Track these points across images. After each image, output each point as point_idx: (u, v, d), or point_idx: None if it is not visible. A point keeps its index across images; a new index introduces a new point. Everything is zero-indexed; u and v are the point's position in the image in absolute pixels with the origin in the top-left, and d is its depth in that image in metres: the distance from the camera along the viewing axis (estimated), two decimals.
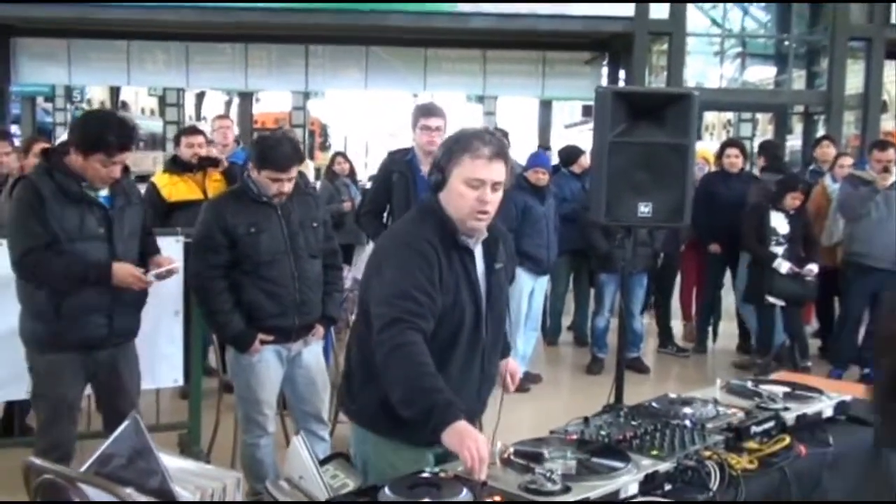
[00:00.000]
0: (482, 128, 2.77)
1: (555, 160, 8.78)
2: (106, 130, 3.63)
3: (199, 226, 4.11)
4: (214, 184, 5.96)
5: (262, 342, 4.07)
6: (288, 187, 4.00)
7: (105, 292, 3.74)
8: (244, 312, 4.04)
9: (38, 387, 3.87)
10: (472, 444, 2.31)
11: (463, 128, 2.77)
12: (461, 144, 2.64)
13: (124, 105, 31.20)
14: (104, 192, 3.79)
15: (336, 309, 4.41)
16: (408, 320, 2.50)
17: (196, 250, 4.11)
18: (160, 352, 4.70)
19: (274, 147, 3.99)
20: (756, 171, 8.53)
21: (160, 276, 3.92)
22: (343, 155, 10.81)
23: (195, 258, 4.11)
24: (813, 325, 8.27)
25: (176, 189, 5.86)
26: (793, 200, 7.05)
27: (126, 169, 3.91)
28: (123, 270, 3.73)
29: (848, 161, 7.85)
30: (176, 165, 6.06)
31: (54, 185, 3.65)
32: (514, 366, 3.16)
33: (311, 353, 4.27)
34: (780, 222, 7.06)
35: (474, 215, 2.65)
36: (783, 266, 6.93)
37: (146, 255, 4.02)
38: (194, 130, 6.43)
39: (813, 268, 6.97)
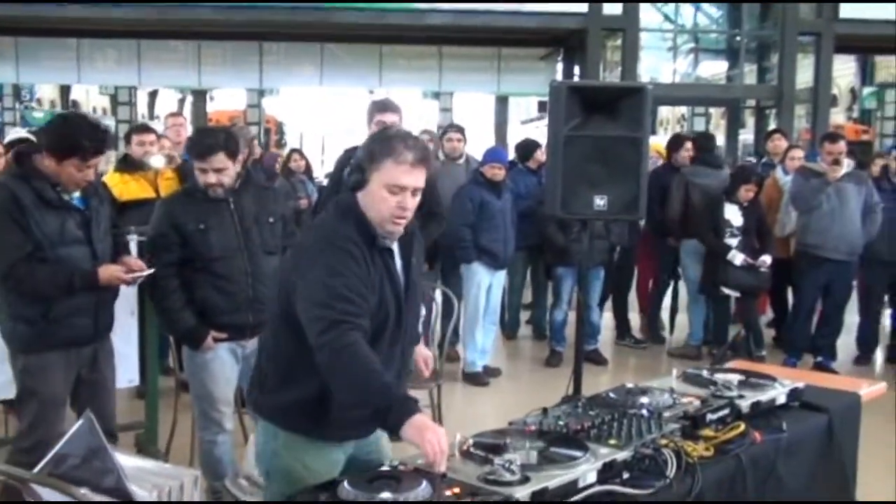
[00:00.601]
0: (405, 131, 2.72)
1: (511, 156, 8.80)
2: (79, 135, 3.61)
3: (152, 223, 4.12)
4: (166, 182, 5.89)
5: (216, 339, 4.04)
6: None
7: (91, 294, 3.78)
8: (197, 310, 4.01)
9: (26, 386, 3.84)
10: (433, 437, 2.31)
11: (385, 128, 2.75)
12: (384, 148, 2.58)
13: (75, 104, 30.71)
14: (77, 194, 3.78)
15: None
16: (348, 321, 2.46)
17: (149, 249, 4.11)
18: (117, 351, 4.63)
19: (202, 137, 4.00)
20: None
21: (136, 280, 3.94)
22: (299, 152, 10.74)
23: (148, 256, 4.09)
24: (768, 314, 8.40)
25: (127, 188, 5.78)
26: (746, 192, 7.14)
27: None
28: (108, 273, 3.76)
29: (799, 154, 7.97)
30: (127, 164, 5.98)
31: (32, 192, 3.63)
32: (426, 352, 3.16)
33: None
34: (734, 214, 7.15)
35: (392, 220, 2.61)
36: (737, 258, 7.02)
37: (117, 251, 4.02)
38: (145, 128, 6.36)
39: (766, 259, 7.07)
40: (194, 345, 4.07)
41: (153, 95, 28.23)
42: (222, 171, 3.98)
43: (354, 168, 2.64)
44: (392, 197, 2.58)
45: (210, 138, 4.04)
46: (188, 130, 7.39)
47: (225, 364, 4.10)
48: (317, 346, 2.48)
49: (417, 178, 2.60)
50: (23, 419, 3.92)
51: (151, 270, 3.96)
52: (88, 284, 3.72)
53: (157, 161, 5.94)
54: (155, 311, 4.31)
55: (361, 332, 2.49)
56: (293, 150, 11.01)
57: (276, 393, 2.72)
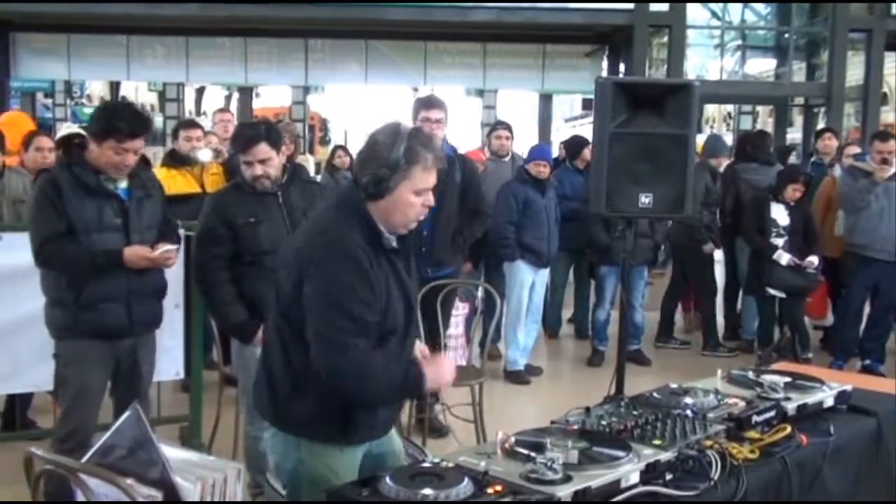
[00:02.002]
0: (415, 129, 2.69)
1: (556, 153, 8.75)
2: (115, 117, 3.71)
3: (201, 218, 4.15)
4: (212, 177, 5.95)
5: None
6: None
7: (121, 280, 3.79)
8: (247, 303, 4.03)
9: (61, 373, 3.92)
10: (440, 376, 2.71)
11: (398, 128, 2.66)
12: (411, 156, 2.59)
13: (124, 100, 31.20)
14: (123, 185, 3.84)
15: None
16: (349, 343, 2.49)
17: (198, 242, 4.13)
18: (161, 345, 4.67)
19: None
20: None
21: (168, 252, 3.90)
22: (343, 148, 10.79)
23: (197, 251, 4.12)
24: (828, 319, 8.06)
25: (173, 182, 5.85)
26: (793, 192, 7.03)
27: (147, 163, 3.92)
28: (132, 252, 3.78)
29: (854, 150, 7.81)
30: (173, 159, 6.05)
31: (73, 178, 3.72)
32: (423, 348, 3.07)
33: None
34: (780, 214, 7.05)
35: (417, 218, 2.69)
36: (783, 258, 6.91)
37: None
38: (192, 124, 6.44)
39: (813, 260, 6.95)
40: (246, 339, 4.08)
41: (200, 92, 28.54)
42: (266, 162, 4.00)
43: (379, 177, 2.58)
44: (418, 199, 2.64)
45: (251, 130, 4.09)
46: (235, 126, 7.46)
47: None
48: (315, 364, 2.52)
49: (435, 176, 2.68)
50: (61, 407, 4.02)
51: (176, 246, 3.98)
52: (112, 263, 3.74)
53: (204, 155, 6.01)
54: (206, 306, 4.34)
55: (362, 348, 2.53)
56: (337, 147, 11.07)
57: (292, 401, 2.66)
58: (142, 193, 3.90)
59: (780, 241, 7.00)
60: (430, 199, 2.68)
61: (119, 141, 3.67)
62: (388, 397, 2.68)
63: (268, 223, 4.01)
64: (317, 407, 2.62)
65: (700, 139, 8.71)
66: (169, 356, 4.80)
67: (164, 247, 3.88)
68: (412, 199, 2.62)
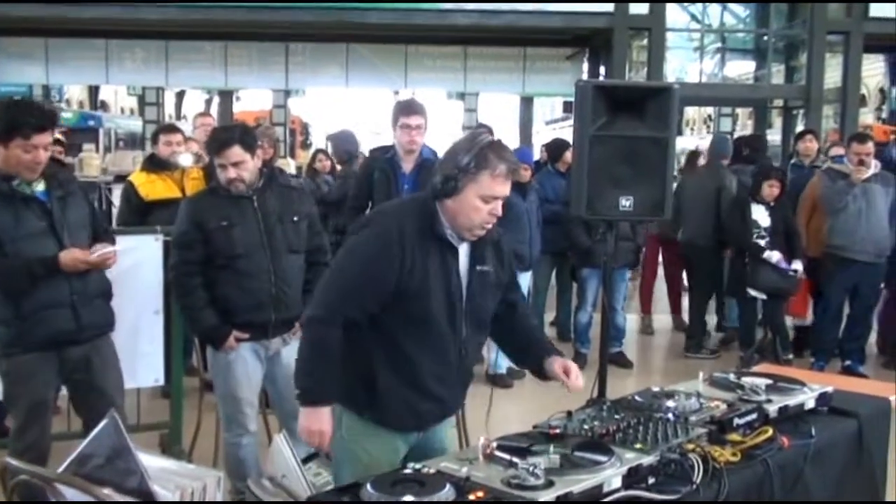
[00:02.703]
0: (496, 140, 2.83)
1: (537, 156, 8.77)
2: (18, 113, 3.56)
3: (176, 223, 4.13)
4: (192, 182, 5.92)
5: (238, 339, 4.04)
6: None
7: (62, 285, 3.67)
8: (219, 308, 4.02)
9: (10, 390, 3.80)
10: (310, 426, 2.80)
11: (477, 136, 2.81)
12: (481, 161, 2.71)
13: (104, 105, 31.03)
14: (40, 187, 3.69)
15: None
16: (335, 318, 2.75)
17: (173, 247, 4.13)
18: (140, 350, 4.66)
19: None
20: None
21: (106, 254, 3.76)
22: (324, 152, 10.75)
23: (173, 255, 4.11)
24: (809, 318, 8.11)
25: (153, 187, 5.81)
26: (770, 189, 7.04)
27: (61, 163, 3.85)
28: (69, 256, 3.64)
29: (839, 151, 7.86)
30: (153, 164, 6.01)
31: None
32: (568, 362, 3.02)
33: (292, 351, 4.21)
34: (761, 215, 7.07)
35: (482, 226, 2.78)
36: (773, 256, 6.92)
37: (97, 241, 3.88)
38: (172, 128, 6.39)
39: (798, 265, 6.98)
40: (216, 344, 4.08)
41: (180, 96, 28.47)
42: (240, 165, 3.97)
43: (448, 177, 2.73)
44: (485, 206, 2.74)
45: (225, 133, 4.05)
46: None
47: (248, 364, 4.10)
48: (306, 323, 2.87)
49: (508, 188, 2.77)
50: (14, 422, 3.88)
51: (116, 247, 3.83)
52: (50, 270, 3.60)
53: (185, 160, 5.97)
54: (180, 309, 4.31)
55: (350, 322, 2.75)
56: (318, 151, 11.03)
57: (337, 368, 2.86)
58: (61, 192, 3.74)
59: (761, 243, 7.02)
60: (499, 209, 2.77)
61: (26, 137, 3.52)
62: (306, 364, 2.82)
63: (241, 227, 3.99)
64: (346, 374, 2.81)
65: (686, 143, 8.78)
66: (148, 362, 4.76)
67: (102, 248, 3.76)
68: (478, 204, 2.73)
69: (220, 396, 4.17)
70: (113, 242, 3.93)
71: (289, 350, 4.18)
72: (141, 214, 5.64)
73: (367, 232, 2.79)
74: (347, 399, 2.86)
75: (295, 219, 4.15)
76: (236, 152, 3.96)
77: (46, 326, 3.67)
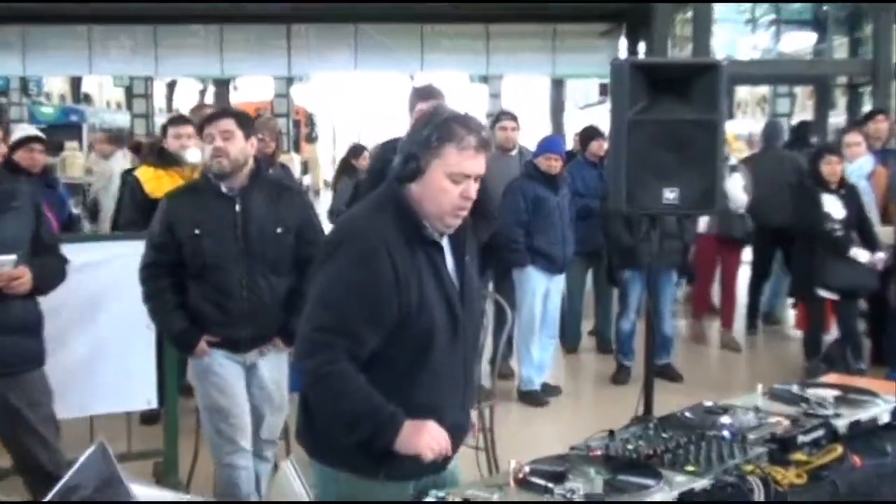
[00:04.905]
0: (463, 112, 2.70)
1: (570, 145, 8.76)
2: None
3: (153, 220, 4.18)
4: None
5: (210, 343, 4.08)
6: None
7: None
8: (189, 317, 4.09)
9: None
10: (428, 439, 2.52)
11: (439, 109, 2.72)
12: (444, 132, 2.58)
13: (87, 98, 31.29)
14: None
15: None
16: (338, 347, 2.53)
17: (146, 245, 4.18)
18: (130, 369, 4.67)
19: None
20: None
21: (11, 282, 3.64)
22: (365, 148, 10.77)
23: (144, 253, 4.16)
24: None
25: (160, 184, 5.82)
26: (830, 167, 6.91)
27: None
28: None
29: None
30: (162, 159, 6.04)
31: None
32: None
33: (269, 364, 4.27)
34: (834, 206, 6.94)
35: (455, 212, 2.63)
36: (861, 255, 6.83)
37: (42, 266, 3.81)
38: (182, 120, 6.38)
39: (882, 255, 6.88)
40: (186, 348, 4.15)
41: (171, 87, 28.66)
42: (230, 139, 3.99)
43: (407, 157, 2.62)
44: (455, 187, 2.59)
45: (220, 109, 4.16)
46: None
47: (227, 369, 4.13)
48: (299, 368, 2.57)
49: (481, 164, 2.62)
50: None
51: (12, 257, 3.67)
52: None
53: (192, 155, 5.97)
54: (148, 313, 4.27)
55: (347, 357, 2.54)
56: (359, 146, 11.02)
57: (328, 430, 2.67)
58: None
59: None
60: (471, 191, 2.62)
61: None
62: (347, 419, 2.56)
63: (213, 237, 4.01)
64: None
65: (737, 127, 8.80)
66: (139, 382, 4.77)
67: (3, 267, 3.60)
68: (446, 185, 2.58)
69: (204, 408, 4.22)
70: (59, 262, 3.92)
71: (267, 363, 4.24)
72: (146, 212, 5.67)
73: (346, 253, 2.59)
74: (348, 462, 2.66)
75: (279, 230, 4.10)
76: (228, 123, 4.02)
77: None
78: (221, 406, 4.13)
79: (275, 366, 4.28)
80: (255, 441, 4.22)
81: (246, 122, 4.11)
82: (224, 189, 4.05)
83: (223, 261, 4.02)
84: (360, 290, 2.55)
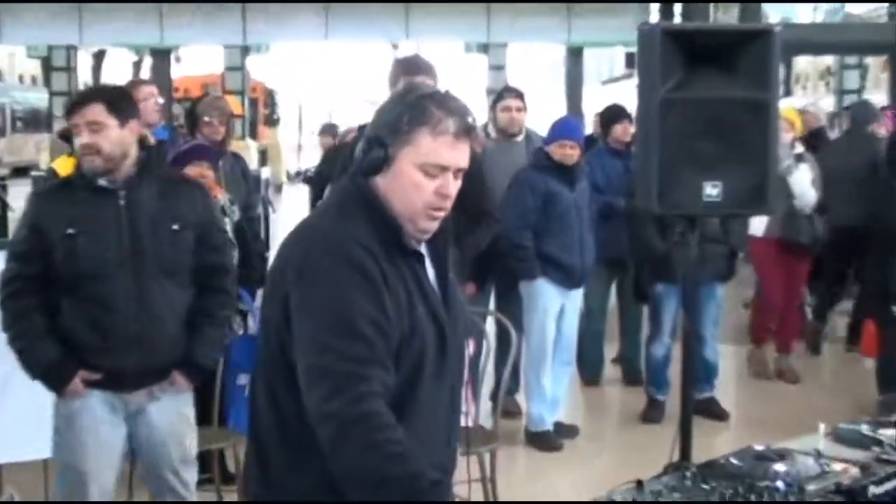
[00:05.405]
0: (441, 90, 2.67)
1: (590, 129, 8.79)
2: None
3: (16, 225, 4.19)
4: None
5: (86, 382, 3.97)
6: None
7: None
8: (60, 342, 3.98)
9: None
10: None
11: (412, 87, 2.70)
12: (417, 114, 2.55)
13: None
14: None
15: (209, 351, 4.23)
16: (365, 379, 2.43)
17: (7, 256, 4.10)
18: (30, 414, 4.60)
19: None
20: None
21: None
22: (336, 127, 10.78)
23: (5, 266, 4.09)
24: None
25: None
26: None
27: None
28: None
29: None
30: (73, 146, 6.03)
31: None
32: None
33: (162, 411, 4.12)
34: None
35: (428, 212, 2.60)
36: None
37: None
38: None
39: None
40: (58, 385, 4.00)
41: (99, 58, 28.65)
42: (98, 131, 3.94)
43: (371, 143, 2.59)
44: (429, 181, 2.57)
45: (88, 90, 4.05)
46: (160, 102, 7.31)
47: (97, 419, 4.01)
48: (319, 416, 2.44)
49: (461, 155, 2.59)
50: None
51: None
52: None
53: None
54: (8, 341, 4.14)
55: (382, 392, 2.45)
56: (362, 127, 11.05)
57: (288, 482, 2.64)
58: None
59: None
60: (449, 187, 2.59)
61: None
62: (372, 477, 2.44)
63: (91, 237, 3.95)
64: (315, 482, 2.57)
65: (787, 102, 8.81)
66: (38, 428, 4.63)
67: None
68: (418, 178, 2.56)
69: (57, 461, 4.15)
70: None
71: (159, 409, 4.10)
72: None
73: (329, 267, 2.51)
74: None
75: (175, 227, 4.05)
76: (96, 111, 3.96)
77: None
78: (85, 470, 4.03)
79: (170, 411, 4.15)
80: (160, 488, 4.15)
81: (120, 103, 4.03)
82: (104, 183, 4.00)
83: (104, 267, 3.93)
84: (364, 299, 2.48)
